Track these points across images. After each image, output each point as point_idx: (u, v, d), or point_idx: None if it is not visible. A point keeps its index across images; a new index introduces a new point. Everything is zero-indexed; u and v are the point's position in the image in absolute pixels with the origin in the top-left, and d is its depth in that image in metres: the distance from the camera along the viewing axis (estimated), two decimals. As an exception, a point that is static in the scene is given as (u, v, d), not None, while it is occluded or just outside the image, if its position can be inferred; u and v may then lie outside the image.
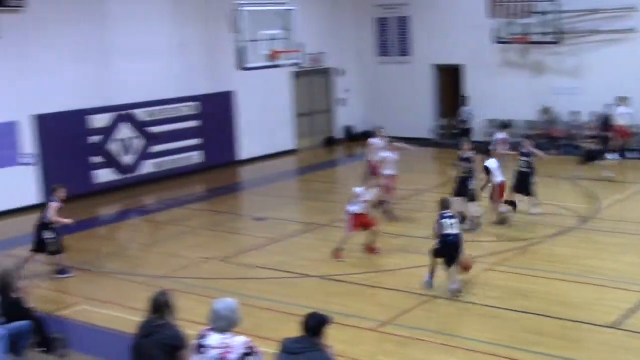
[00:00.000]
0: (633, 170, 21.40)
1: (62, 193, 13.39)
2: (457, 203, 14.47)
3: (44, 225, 13.12)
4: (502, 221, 15.21)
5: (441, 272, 12.52)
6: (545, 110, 23.75)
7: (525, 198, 15.77)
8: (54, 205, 13.15)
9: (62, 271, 13.22)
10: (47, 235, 13.08)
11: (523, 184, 15.80)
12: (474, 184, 15.17)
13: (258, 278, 12.92)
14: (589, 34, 23.03)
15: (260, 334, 9.00)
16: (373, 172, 16.58)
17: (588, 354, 9.47)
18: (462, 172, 15.27)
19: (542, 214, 15.68)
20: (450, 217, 11.80)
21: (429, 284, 11.83)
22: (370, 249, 13.78)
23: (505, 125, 19.59)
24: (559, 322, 10.45)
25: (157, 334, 6.76)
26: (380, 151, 16.56)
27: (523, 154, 16.03)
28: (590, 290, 11.71)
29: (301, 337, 6.41)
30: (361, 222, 13.55)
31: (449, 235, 11.61)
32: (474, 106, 25.19)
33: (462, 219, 14.39)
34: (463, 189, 15.12)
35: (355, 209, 13.52)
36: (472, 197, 15.11)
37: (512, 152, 16.79)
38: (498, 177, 15.10)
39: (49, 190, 13.88)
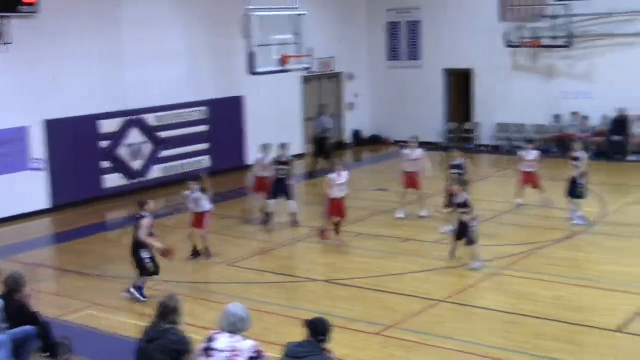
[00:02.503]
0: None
1: (151, 206, 12.20)
2: (273, 204, 16.26)
3: (138, 244, 11.93)
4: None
5: (439, 277, 12.51)
6: (556, 115, 23.66)
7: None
8: (145, 223, 11.88)
9: (139, 288, 12.09)
10: (145, 254, 11.93)
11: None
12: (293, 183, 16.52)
13: (264, 282, 12.90)
14: (601, 38, 22.96)
15: (265, 339, 8.97)
16: (410, 184, 16.54)
17: (600, 359, 9.40)
18: (281, 174, 16.26)
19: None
20: None
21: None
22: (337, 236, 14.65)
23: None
24: (568, 326, 10.40)
25: (161, 339, 6.73)
26: (412, 162, 16.46)
27: (454, 167, 15.47)
28: (599, 294, 11.65)
29: (305, 341, 6.38)
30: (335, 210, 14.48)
31: None
32: (482, 110, 25.16)
33: (267, 217, 16.29)
34: (281, 189, 16.22)
35: (334, 194, 14.35)
36: (290, 196, 16.29)
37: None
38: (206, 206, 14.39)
39: (138, 204, 12.29)
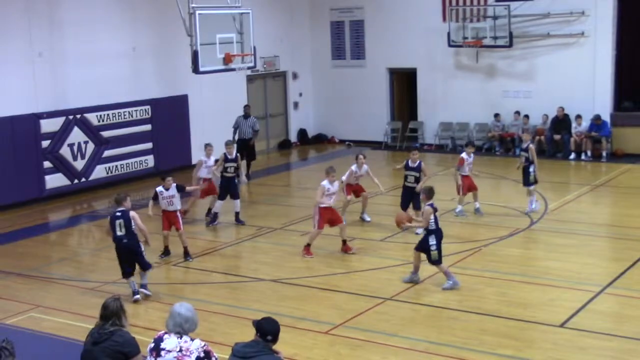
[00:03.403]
0: (581, 171, 21.77)
1: (128, 202, 11.88)
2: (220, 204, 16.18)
3: (136, 239, 11.74)
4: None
5: (385, 275, 12.57)
6: (495, 114, 24.01)
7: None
8: (136, 214, 11.79)
9: (144, 286, 12.04)
10: (142, 248, 11.85)
11: (408, 199, 15.12)
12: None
13: (210, 282, 12.82)
14: (540, 38, 23.39)
15: (212, 339, 8.92)
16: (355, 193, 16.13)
17: (542, 354, 9.55)
18: (229, 172, 16.17)
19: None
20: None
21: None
22: (347, 247, 14.02)
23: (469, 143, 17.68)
24: (513, 322, 10.54)
25: (107, 341, 6.62)
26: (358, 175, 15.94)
27: (410, 168, 15.29)
28: (543, 290, 11.85)
29: (252, 341, 6.36)
30: (329, 217, 13.80)
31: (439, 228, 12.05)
32: (426, 109, 25.41)
33: (214, 216, 16.26)
34: (229, 187, 16.20)
35: (326, 202, 13.75)
36: (237, 194, 16.35)
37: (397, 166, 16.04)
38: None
39: (116, 201, 11.97)
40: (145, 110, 21.48)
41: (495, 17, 23.43)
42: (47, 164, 19.19)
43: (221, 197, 16.27)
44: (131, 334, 6.75)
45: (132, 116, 21.14)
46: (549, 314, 10.76)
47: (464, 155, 16.45)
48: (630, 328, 10.22)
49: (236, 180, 16.43)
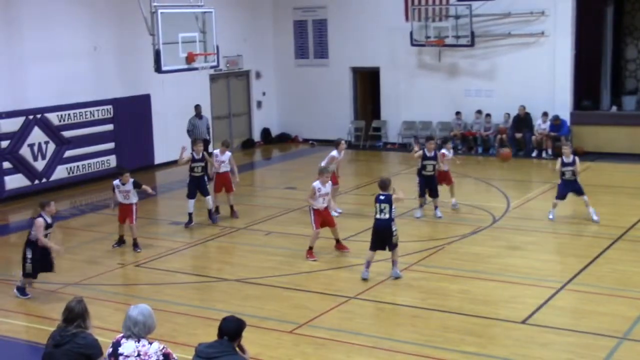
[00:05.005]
0: (542, 169, 22.00)
1: (51, 208, 12.08)
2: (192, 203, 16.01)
3: (28, 243, 11.95)
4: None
5: (349, 274, 12.59)
6: (457, 112, 24.20)
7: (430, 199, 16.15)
8: (39, 223, 11.82)
9: (21, 289, 12.14)
10: (28, 254, 11.94)
11: (427, 187, 16.09)
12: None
13: (174, 283, 12.74)
14: (501, 37, 23.62)
15: (176, 340, 8.89)
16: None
17: (504, 350, 9.64)
18: (196, 172, 16.00)
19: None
20: (382, 201, 12.11)
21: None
22: (341, 246, 13.96)
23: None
24: (476, 319, 10.63)
25: (69, 343, 6.54)
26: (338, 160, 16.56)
27: (428, 158, 15.98)
28: (505, 287, 11.97)
29: (216, 341, 6.33)
30: (323, 219, 13.69)
31: (377, 219, 12.16)
32: (389, 108, 25.51)
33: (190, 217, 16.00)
34: (198, 186, 15.99)
35: (317, 204, 13.60)
36: (206, 192, 16.17)
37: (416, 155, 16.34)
38: None
39: (40, 205, 12.16)
40: (107, 110, 21.30)
41: (457, 17, 23.62)
42: (6, 165, 18.93)
43: (191, 195, 16.06)
44: (94, 336, 6.69)
45: (93, 116, 20.95)
46: (511, 311, 10.87)
47: (444, 150, 16.72)
48: (590, 323, 10.37)
49: (205, 178, 16.27)
